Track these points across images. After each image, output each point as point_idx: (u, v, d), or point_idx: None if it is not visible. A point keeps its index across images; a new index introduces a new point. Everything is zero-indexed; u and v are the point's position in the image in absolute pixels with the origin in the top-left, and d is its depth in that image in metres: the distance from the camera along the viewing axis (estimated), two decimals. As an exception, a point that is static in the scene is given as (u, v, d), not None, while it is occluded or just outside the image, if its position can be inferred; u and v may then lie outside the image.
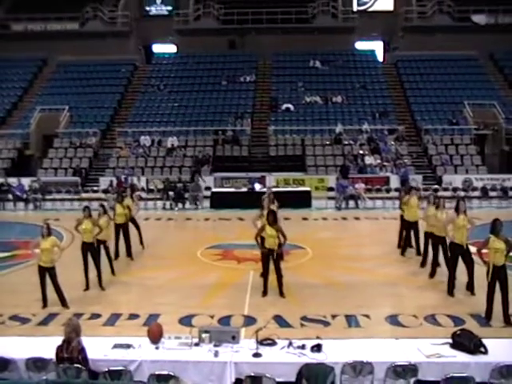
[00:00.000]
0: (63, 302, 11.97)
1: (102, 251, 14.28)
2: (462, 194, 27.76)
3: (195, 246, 17.86)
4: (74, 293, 12.75)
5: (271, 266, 12.71)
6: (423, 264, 15.04)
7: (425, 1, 40.88)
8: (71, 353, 7.52)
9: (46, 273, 11.87)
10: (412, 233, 16.29)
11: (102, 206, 14.98)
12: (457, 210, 12.78)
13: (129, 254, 16.59)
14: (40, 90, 38.85)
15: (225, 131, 33.75)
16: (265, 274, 12.74)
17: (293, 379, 7.52)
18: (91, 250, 13.44)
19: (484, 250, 11.02)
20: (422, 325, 10.88)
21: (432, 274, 13.92)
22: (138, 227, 17.78)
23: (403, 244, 16.65)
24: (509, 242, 10.77)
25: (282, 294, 12.60)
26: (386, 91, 37.26)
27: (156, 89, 38.24)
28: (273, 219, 12.71)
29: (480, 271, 11.58)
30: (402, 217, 16.80)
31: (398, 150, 31.72)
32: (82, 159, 32.79)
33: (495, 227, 10.84)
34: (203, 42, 39.86)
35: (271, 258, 12.62)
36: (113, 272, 14.66)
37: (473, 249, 12.37)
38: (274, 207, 14.97)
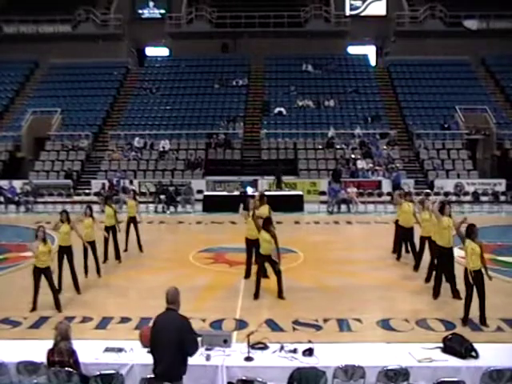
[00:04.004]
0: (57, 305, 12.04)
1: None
2: (454, 198, 27.91)
3: (187, 250, 17.85)
4: (65, 296, 12.72)
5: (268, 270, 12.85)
6: (416, 268, 15.10)
7: (417, 6, 41.08)
8: (62, 356, 7.48)
9: (42, 274, 11.85)
10: (407, 239, 16.30)
11: (89, 207, 15.00)
12: (441, 212, 12.89)
13: (117, 256, 16.58)
14: (32, 92, 38.76)
15: (217, 134, 33.75)
16: (258, 278, 12.82)
17: (284, 383, 7.52)
18: (68, 253, 13.39)
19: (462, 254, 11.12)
20: (414, 329, 10.91)
21: (428, 279, 13.92)
22: (137, 230, 17.87)
23: (398, 249, 16.69)
24: (482, 246, 10.82)
25: (281, 296, 12.76)
26: (378, 95, 37.37)
27: (148, 92, 38.22)
28: (267, 225, 12.79)
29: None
30: (396, 222, 16.84)
31: (389, 155, 31.82)
32: (74, 162, 32.72)
33: (472, 232, 10.88)
34: (196, 45, 39.94)
35: (268, 262, 12.87)
36: (98, 273, 14.76)
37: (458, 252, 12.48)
38: (265, 209, 14.97)
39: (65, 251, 13.33)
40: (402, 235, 16.37)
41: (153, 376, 7.08)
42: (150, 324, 7.55)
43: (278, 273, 12.75)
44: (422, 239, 14.80)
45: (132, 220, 17.83)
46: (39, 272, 11.83)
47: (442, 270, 12.79)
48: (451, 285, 12.58)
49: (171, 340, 6.88)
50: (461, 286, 11.68)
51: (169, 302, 7.17)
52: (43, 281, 11.87)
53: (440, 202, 13.81)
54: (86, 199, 27.62)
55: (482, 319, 10.93)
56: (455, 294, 12.50)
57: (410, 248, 16.16)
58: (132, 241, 17.73)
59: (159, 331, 7.03)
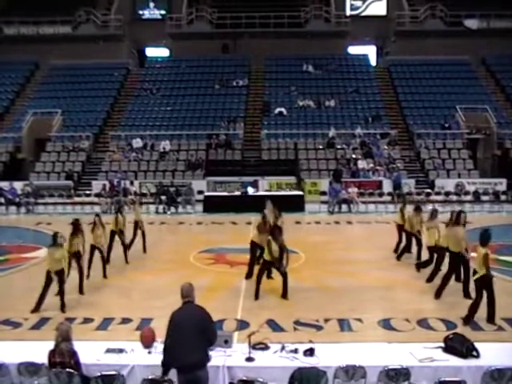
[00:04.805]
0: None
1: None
2: (455, 198, 27.92)
3: (188, 250, 17.86)
4: (66, 297, 12.71)
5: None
6: (419, 268, 15.15)
7: (417, 5, 41.09)
8: (63, 357, 7.47)
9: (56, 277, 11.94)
10: (414, 242, 16.29)
11: (98, 215, 15.02)
12: (457, 221, 12.92)
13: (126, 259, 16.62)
14: (32, 93, 38.80)
15: (217, 135, 33.75)
16: (258, 279, 12.83)
17: (285, 383, 7.51)
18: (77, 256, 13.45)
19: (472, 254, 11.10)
20: (415, 329, 10.90)
21: (430, 279, 13.91)
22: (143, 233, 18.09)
23: (401, 249, 16.68)
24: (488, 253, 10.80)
25: (285, 296, 12.78)
26: (378, 95, 37.38)
27: (149, 92, 38.24)
28: (277, 235, 12.89)
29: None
30: (400, 225, 16.88)
31: (390, 155, 31.81)
32: (75, 163, 32.73)
33: (484, 237, 10.86)
34: (196, 46, 39.97)
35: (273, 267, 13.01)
36: (105, 275, 14.76)
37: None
38: (279, 222, 15.04)
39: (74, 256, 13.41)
40: (408, 239, 16.41)
41: (176, 368, 7.23)
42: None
43: (284, 274, 12.78)
44: (430, 248, 14.81)
45: (139, 223, 17.99)
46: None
47: (453, 272, 12.80)
48: (465, 285, 12.58)
49: (195, 330, 7.13)
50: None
51: (184, 296, 7.44)
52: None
53: (457, 211, 13.66)
54: (87, 200, 27.71)
55: (491, 317, 10.93)
56: (467, 294, 12.49)
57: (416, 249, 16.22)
58: (135, 242, 17.79)
59: (181, 324, 7.20)
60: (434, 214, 15.20)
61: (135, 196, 25.90)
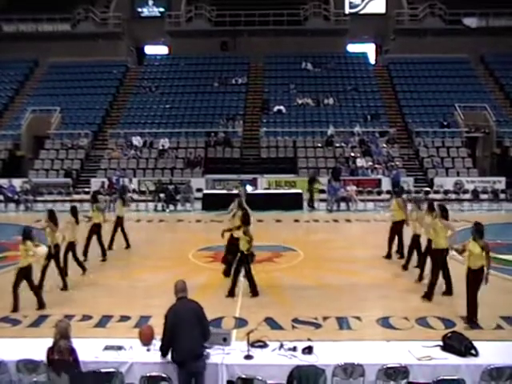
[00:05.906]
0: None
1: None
2: (453, 196, 27.93)
3: (187, 248, 17.86)
4: (64, 294, 12.73)
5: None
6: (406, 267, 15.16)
7: (416, 3, 41.10)
8: (62, 354, 7.47)
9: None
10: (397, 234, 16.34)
11: (74, 208, 14.96)
12: (446, 217, 12.88)
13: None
14: (31, 91, 38.78)
15: (216, 133, 33.74)
16: (250, 276, 12.83)
17: (284, 381, 7.50)
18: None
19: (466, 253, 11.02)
20: (414, 327, 10.90)
21: (420, 279, 13.95)
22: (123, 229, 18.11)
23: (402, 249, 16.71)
24: (486, 247, 10.64)
25: (255, 293, 12.79)
26: (377, 93, 37.38)
27: (148, 90, 38.22)
28: (244, 221, 12.90)
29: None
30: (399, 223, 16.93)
31: (389, 153, 31.82)
32: (74, 160, 32.74)
33: (473, 231, 10.83)
34: (195, 44, 39.96)
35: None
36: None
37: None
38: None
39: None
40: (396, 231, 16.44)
41: (178, 361, 7.47)
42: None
43: (235, 271, 12.85)
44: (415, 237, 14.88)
45: (118, 219, 17.97)
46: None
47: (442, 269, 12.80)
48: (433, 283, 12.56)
49: (194, 323, 7.56)
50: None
51: (179, 291, 7.76)
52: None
53: (440, 206, 13.53)
54: (86, 198, 27.63)
55: (468, 318, 10.85)
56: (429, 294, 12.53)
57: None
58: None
59: (181, 318, 7.49)
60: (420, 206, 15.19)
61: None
